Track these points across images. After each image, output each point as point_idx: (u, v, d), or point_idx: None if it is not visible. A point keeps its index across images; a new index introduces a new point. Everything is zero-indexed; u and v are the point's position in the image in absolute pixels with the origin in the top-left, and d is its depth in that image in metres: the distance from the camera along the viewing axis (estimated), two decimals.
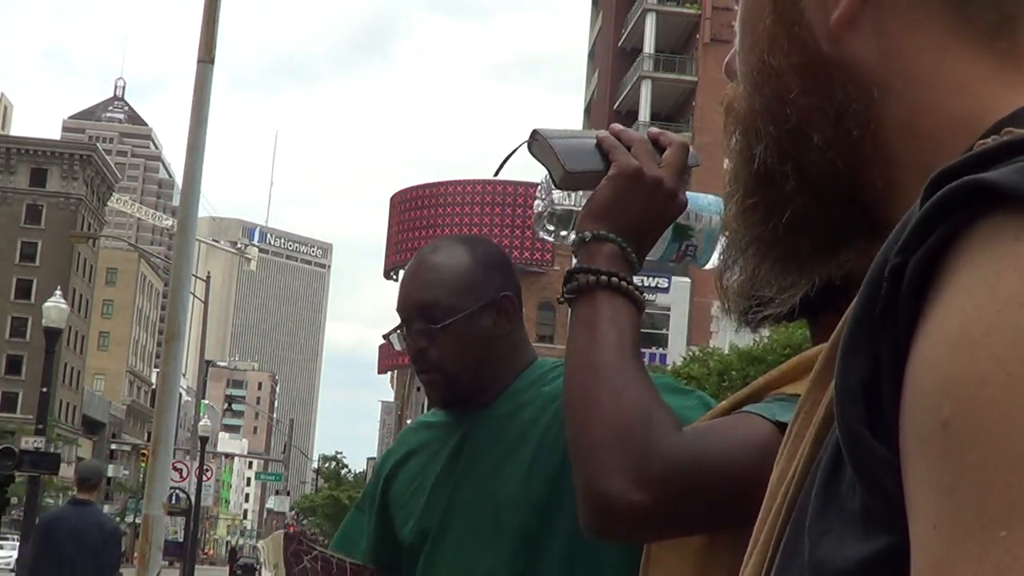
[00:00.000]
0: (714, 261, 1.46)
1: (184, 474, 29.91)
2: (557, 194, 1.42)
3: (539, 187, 1.46)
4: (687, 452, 1.25)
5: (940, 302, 0.55)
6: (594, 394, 1.26)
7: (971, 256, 0.54)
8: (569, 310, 1.35)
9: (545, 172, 1.40)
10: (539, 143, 1.39)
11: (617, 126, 1.43)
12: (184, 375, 37.30)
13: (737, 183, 0.79)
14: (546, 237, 1.47)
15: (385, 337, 2.14)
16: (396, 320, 2.13)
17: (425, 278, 2.05)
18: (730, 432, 1.29)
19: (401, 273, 2.16)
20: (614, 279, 1.33)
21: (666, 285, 46.65)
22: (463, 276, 2.06)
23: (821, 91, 0.73)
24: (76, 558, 8.86)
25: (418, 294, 2.04)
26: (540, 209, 1.45)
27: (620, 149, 1.38)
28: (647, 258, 1.41)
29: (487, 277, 2.06)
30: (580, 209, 1.41)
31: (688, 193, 1.42)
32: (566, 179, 1.36)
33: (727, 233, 0.87)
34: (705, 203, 1.46)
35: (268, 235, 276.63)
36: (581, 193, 1.41)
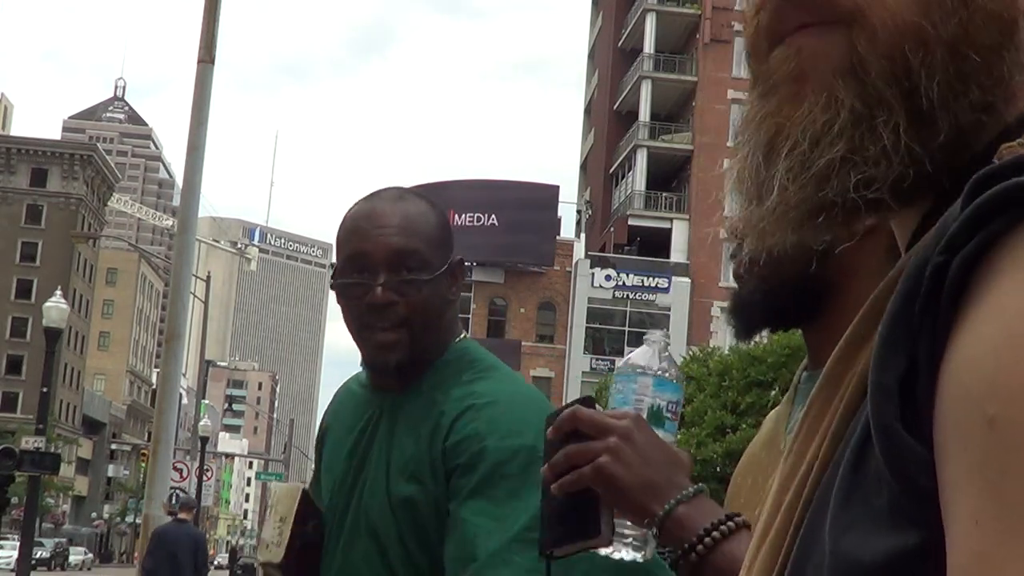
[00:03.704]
0: (680, 383, 1.42)
1: (184, 474, 29.89)
2: (612, 547, 1.36)
3: (599, 550, 1.40)
4: None
5: (984, 302, 0.54)
6: None
7: (1016, 257, 0.54)
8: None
9: (592, 550, 1.34)
10: (560, 551, 1.34)
11: (544, 472, 1.34)
12: (184, 375, 37.29)
13: (877, 111, 0.69)
14: (654, 546, 1.39)
15: (333, 287, 1.92)
16: None
17: (401, 224, 1.87)
18: None
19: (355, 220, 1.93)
20: (707, 539, 1.27)
21: (666, 285, 46.63)
22: (437, 229, 1.91)
23: (1000, 51, 0.68)
24: (183, 562, 12.69)
25: (395, 241, 1.85)
26: (638, 555, 1.37)
27: (578, 478, 1.30)
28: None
29: (451, 237, 1.94)
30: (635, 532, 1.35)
31: (614, 400, 1.39)
32: (605, 539, 1.31)
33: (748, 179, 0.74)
34: (626, 390, 1.40)
35: (268, 235, 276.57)
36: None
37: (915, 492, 0.56)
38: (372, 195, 1.95)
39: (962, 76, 0.68)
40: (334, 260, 1.96)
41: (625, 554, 1.36)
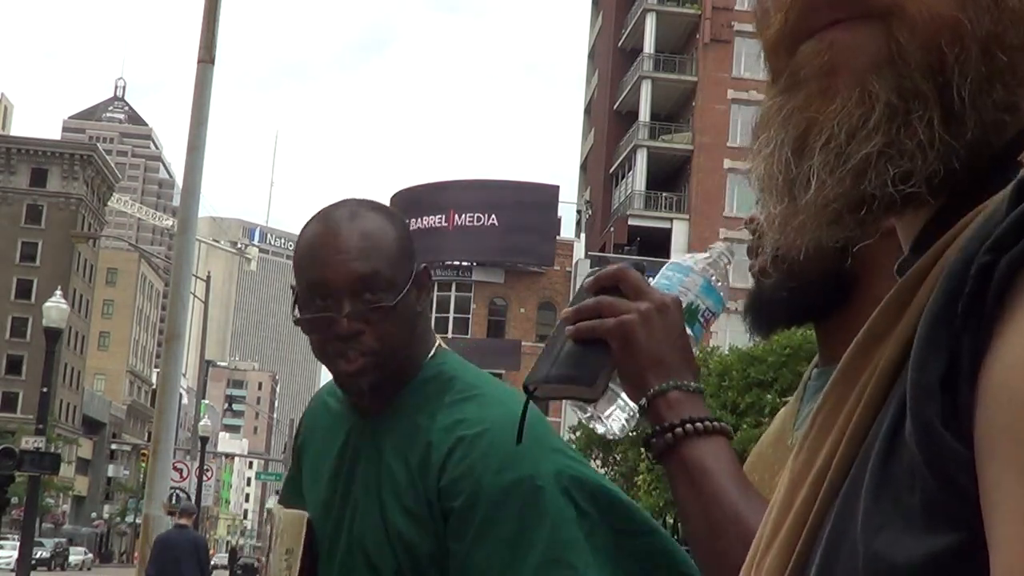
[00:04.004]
0: (725, 300, 1.45)
1: (184, 474, 29.89)
2: (599, 404, 1.38)
3: (577, 415, 1.41)
4: None
5: None
6: (721, 547, 1.22)
7: None
8: (647, 454, 1.31)
9: (572, 404, 1.36)
10: (542, 388, 1.34)
11: (567, 311, 1.35)
12: (184, 375, 37.29)
13: (913, 104, 0.69)
14: (622, 431, 1.42)
15: (297, 322, 1.83)
16: None
17: (359, 245, 1.78)
18: None
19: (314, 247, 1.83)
20: (687, 426, 1.28)
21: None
22: (397, 245, 1.83)
23: (1022, 51, 0.68)
24: (185, 567, 13.21)
25: (354, 267, 1.77)
26: (603, 427, 1.40)
27: (597, 325, 1.32)
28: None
29: (412, 246, 1.86)
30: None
31: (658, 283, 1.40)
32: (594, 391, 1.32)
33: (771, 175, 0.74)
34: (676, 277, 1.44)
35: (268, 235, 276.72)
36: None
37: (954, 491, 0.56)
38: (325, 214, 1.85)
39: (991, 74, 0.67)
40: (293, 283, 1.87)
41: (598, 424, 1.39)
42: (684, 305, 1.38)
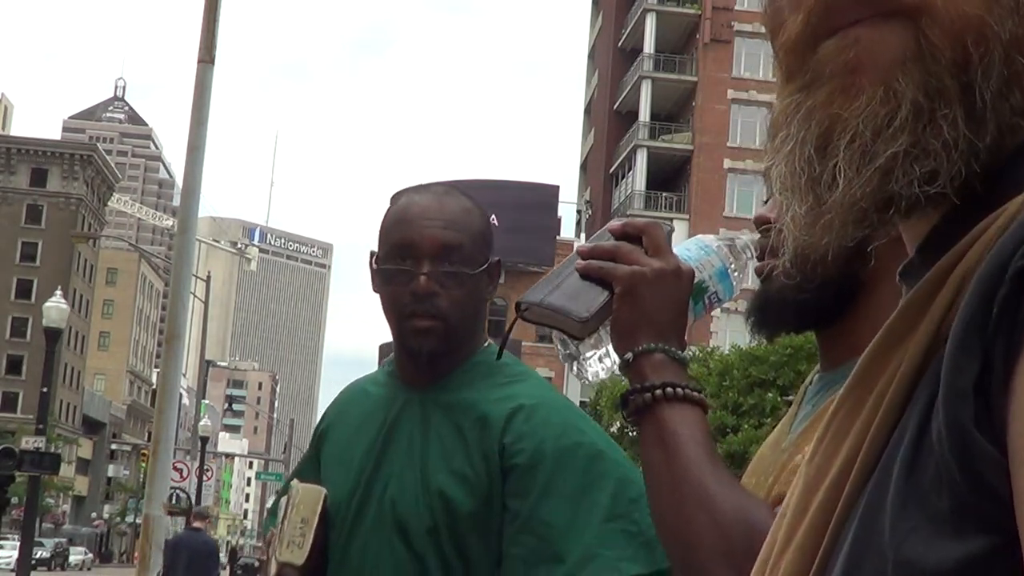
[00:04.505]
0: (736, 291, 1.45)
1: (184, 474, 29.86)
2: (583, 344, 1.38)
3: (557, 350, 1.42)
4: None
5: None
6: (685, 512, 1.23)
7: None
8: (622, 412, 1.31)
9: (558, 333, 1.35)
10: (533, 311, 1.33)
11: (584, 247, 1.35)
12: (184, 375, 37.29)
13: (939, 103, 0.68)
14: (597, 378, 1.43)
15: (374, 268, 1.95)
16: None
17: (449, 218, 1.92)
18: None
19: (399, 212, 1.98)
20: (668, 389, 1.29)
21: None
22: (481, 228, 1.97)
23: None
24: (198, 567, 14.06)
25: (443, 234, 1.90)
26: (577, 368, 1.41)
27: (608, 267, 1.32)
28: None
29: (492, 238, 2.00)
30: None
31: (678, 251, 1.39)
32: (584, 328, 1.32)
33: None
34: (697, 252, 1.44)
35: (268, 235, 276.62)
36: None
37: (986, 493, 0.56)
38: (419, 187, 2.00)
39: (1011, 78, 0.67)
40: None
41: (574, 365, 1.39)
42: (695, 281, 1.38)
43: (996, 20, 0.67)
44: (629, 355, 1.31)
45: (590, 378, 1.41)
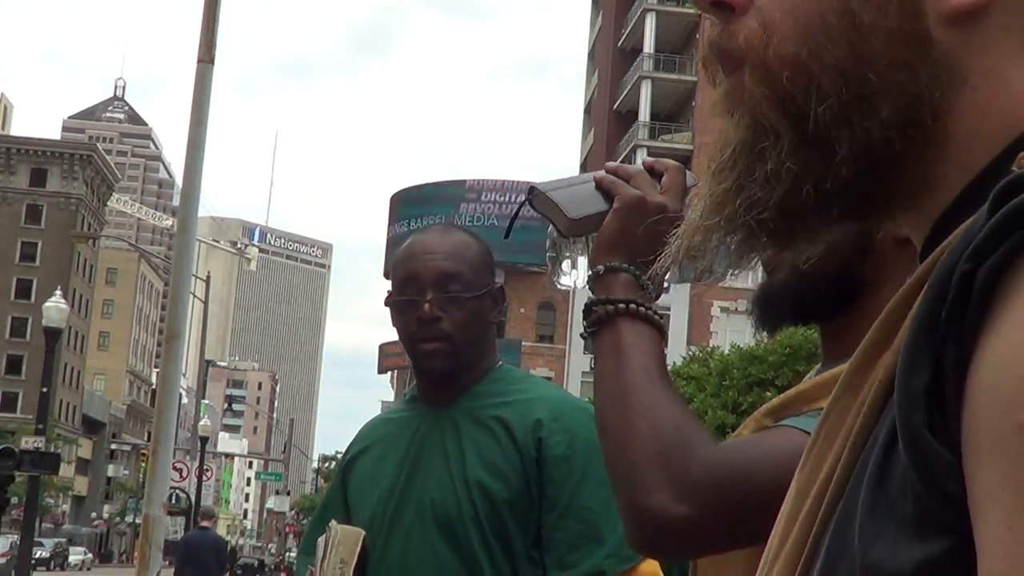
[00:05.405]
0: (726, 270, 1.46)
1: (184, 474, 29.93)
2: (567, 242, 1.44)
3: (547, 241, 1.47)
4: (727, 464, 1.26)
5: (1011, 309, 0.55)
6: (627, 416, 1.28)
7: None
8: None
9: (550, 225, 1.42)
10: (539, 198, 1.42)
11: (612, 164, 1.45)
12: (184, 375, 37.30)
13: (763, 138, 0.73)
14: (567, 283, 1.48)
15: (387, 303, 2.17)
16: None
17: (448, 251, 2.15)
18: (769, 444, 1.29)
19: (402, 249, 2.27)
20: (632, 306, 1.35)
21: (666, 285, 46.56)
22: (479, 257, 2.19)
23: (910, 68, 0.69)
24: (208, 564, 14.72)
25: (442, 264, 2.13)
26: (554, 270, 1.47)
27: (619, 183, 1.41)
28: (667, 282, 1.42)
29: (492, 265, 2.23)
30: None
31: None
32: (572, 227, 1.39)
33: (711, 194, 0.78)
34: None
35: (268, 235, 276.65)
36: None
37: (943, 497, 0.57)
38: (423, 229, 2.27)
39: (860, 96, 0.69)
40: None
41: (553, 265, 1.46)
42: None
43: (818, 50, 0.70)
44: (600, 267, 1.39)
45: (562, 282, 1.47)
